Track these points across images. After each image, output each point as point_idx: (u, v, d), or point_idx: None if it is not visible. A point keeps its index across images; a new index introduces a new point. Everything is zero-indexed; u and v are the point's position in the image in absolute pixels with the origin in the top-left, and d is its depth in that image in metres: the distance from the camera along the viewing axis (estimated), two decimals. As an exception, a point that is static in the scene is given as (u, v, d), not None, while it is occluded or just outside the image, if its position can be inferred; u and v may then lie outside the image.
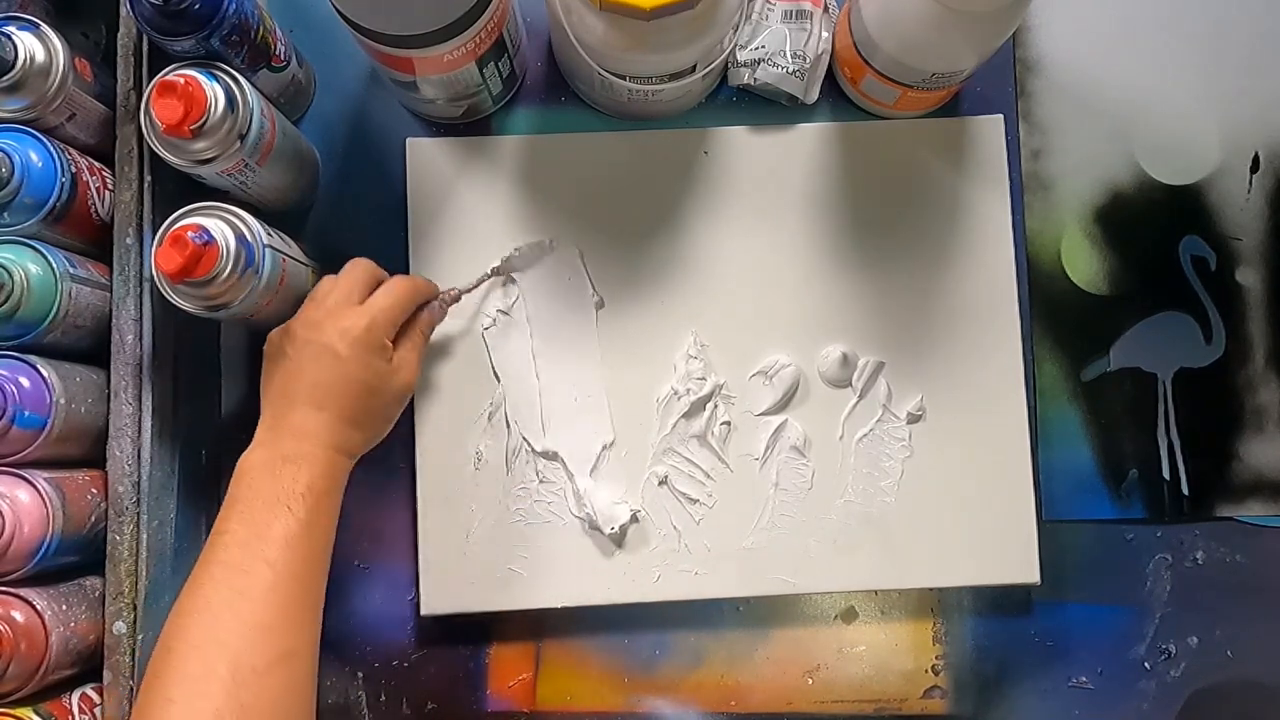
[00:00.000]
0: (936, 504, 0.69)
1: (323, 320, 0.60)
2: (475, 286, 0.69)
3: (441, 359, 0.69)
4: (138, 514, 0.63)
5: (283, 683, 0.53)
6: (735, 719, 0.70)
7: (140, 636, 0.62)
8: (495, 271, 0.69)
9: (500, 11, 0.61)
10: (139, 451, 0.63)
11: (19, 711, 0.57)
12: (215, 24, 0.58)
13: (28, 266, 0.58)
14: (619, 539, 0.68)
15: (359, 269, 0.64)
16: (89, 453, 0.63)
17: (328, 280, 0.63)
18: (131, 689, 0.61)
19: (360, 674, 0.69)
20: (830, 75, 0.72)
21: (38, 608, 0.58)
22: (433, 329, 0.66)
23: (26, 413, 0.57)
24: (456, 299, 0.68)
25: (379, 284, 0.64)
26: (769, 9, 0.70)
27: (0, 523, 0.56)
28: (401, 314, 0.63)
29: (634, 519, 0.68)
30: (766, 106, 0.72)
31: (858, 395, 0.70)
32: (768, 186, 0.71)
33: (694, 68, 0.63)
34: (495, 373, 0.69)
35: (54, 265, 0.59)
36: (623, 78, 0.63)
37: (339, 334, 0.59)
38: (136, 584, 0.62)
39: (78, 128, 0.63)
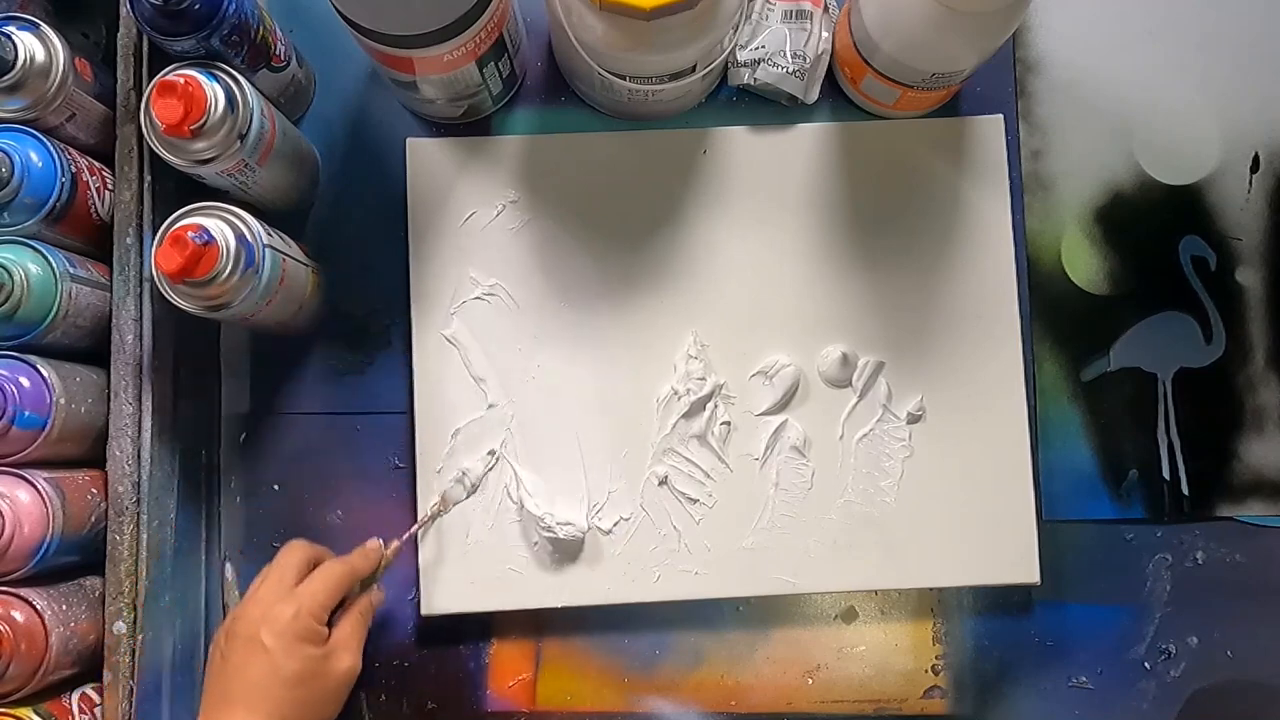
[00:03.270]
0: (936, 504, 0.69)
1: (252, 613, 0.58)
2: (412, 532, 0.66)
3: (442, 360, 0.70)
4: (138, 514, 0.63)
5: None
6: (735, 719, 0.70)
7: (140, 636, 0.62)
8: (434, 513, 0.67)
9: (500, 11, 0.61)
10: (139, 451, 0.63)
11: (19, 711, 0.57)
12: (215, 24, 0.58)
13: (28, 266, 0.58)
14: (577, 549, 0.68)
15: (291, 553, 0.62)
16: (89, 453, 0.63)
17: (265, 569, 0.62)
18: (131, 689, 0.61)
19: (360, 674, 0.69)
20: (830, 75, 0.72)
21: (38, 608, 0.58)
22: (372, 610, 0.63)
23: (26, 413, 0.57)
24: (396, 553, 0.65)
25: (315, 564, 0.62)
26: (769, 9, 0.70)
27: (0, 523, 0.56)
28: (331, 598, 0.60)
29: (588, 529, 0.68)
30: (766, 106, 0.72)
31: (858, 395, 0.70)
32: (767, 186, 0.71)
33: (694, 68, 0.63)
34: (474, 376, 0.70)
35: (54, 265, 0.59)
36: (623, 78, 0.63)
37: (266, 625, 0.57)
38: (136, 584, 0.62)
39: (78, 128, 0.63)
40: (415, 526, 0.67)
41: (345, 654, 0.60)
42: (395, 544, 0.66)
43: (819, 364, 0.70)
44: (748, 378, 0.70)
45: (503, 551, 0.68)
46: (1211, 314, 0.72)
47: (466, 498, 0.68)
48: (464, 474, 0.68)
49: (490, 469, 0.68)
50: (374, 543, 0.65)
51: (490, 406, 0.69)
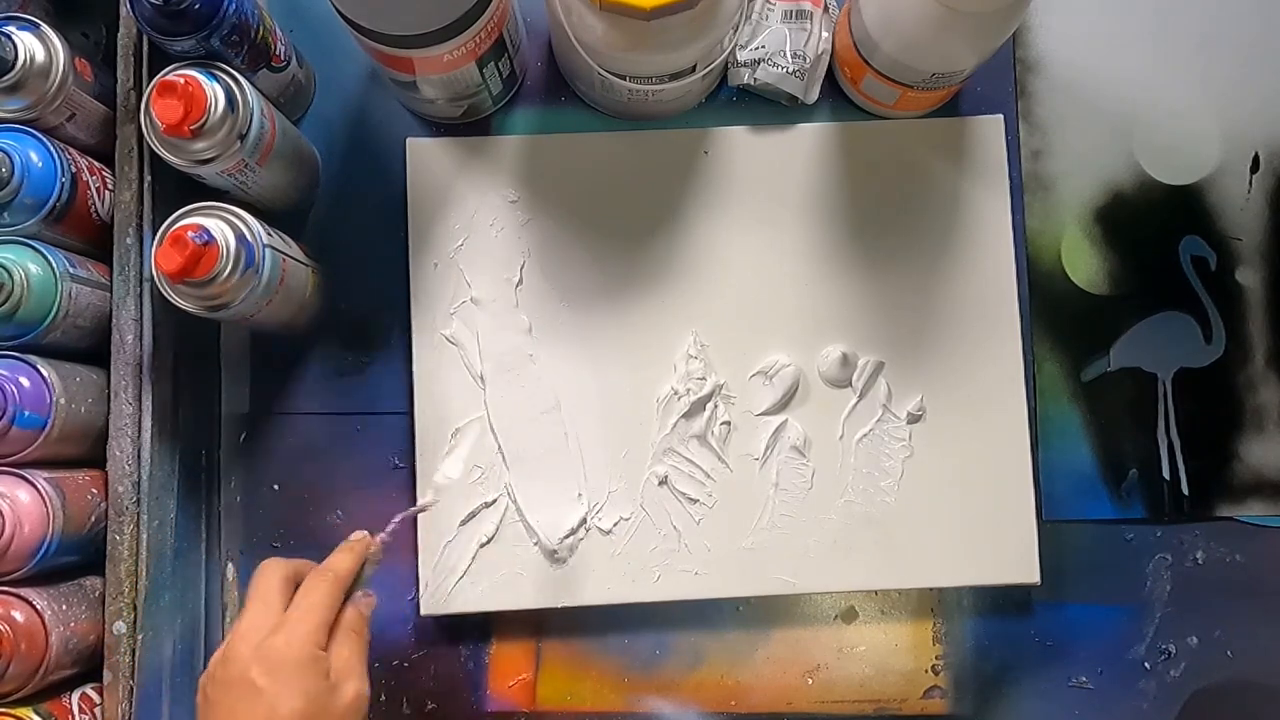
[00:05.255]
0: (936, 504, 0.69)
1: (239, 651, 0.50)
2: (397, 524, 0.60)
3: (442, 360, 0.70)
4: (138, 514, 0.63)
5: None
6: (735, 719, 0.70)
7: (140, 636, 0.62)
8: (422, 508, 0.65)
9: (500, 11, 0.61)
10: (139, 451, 0.63)
11: (19, 711, 0.57)
12: (215, 24, 0.58)
13: (28, 266, 0.58)
14: (566, 556, 0.68)
15: (269, 575, 0.54)
16: (89, 453, 0.63)
17: (245, 600, 0.54)
18: (131, 689, 0.61)
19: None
20: (830, 75, 0.72)
21: (38, 608, 0.58)
22: (366, 621, 0.55)
23: (26, 413, 0.58)
24: (383, 547, 0.58)
25: (298, 580, 0.54)
26: (769, 9, 0.70)
27: (0, 523, 0.56)
28: (327, 615, 0.52)
29: (578, 529, 0.68)
30: (766, 106, 0.72)
31: (858, 395, 0.70)
32: (768, 186, 0.71)
33: (694, 68, 0.63)
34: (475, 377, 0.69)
35: (54, 265, 0.59)
36: (623, 78, 0.63)
37: (257, 663, 0.49)
38: (136, 584, 0.62)
39: (78, 128, 0.63)
40: (399, 517, 0.60)
41: (350, 680, 0.52)
42: (382, 535, 0.59)
43: (819, 364, 0.70)
44: (748, 378, 0.70)
45: (503, 552, 0.68)
46: (1211, 314, 0.72)
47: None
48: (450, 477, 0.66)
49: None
50: (359, 535, 0.58)
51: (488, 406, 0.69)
